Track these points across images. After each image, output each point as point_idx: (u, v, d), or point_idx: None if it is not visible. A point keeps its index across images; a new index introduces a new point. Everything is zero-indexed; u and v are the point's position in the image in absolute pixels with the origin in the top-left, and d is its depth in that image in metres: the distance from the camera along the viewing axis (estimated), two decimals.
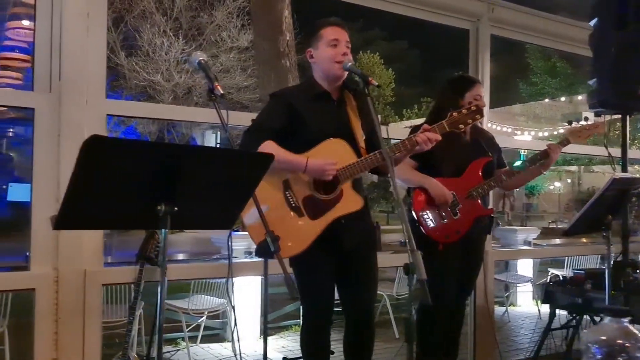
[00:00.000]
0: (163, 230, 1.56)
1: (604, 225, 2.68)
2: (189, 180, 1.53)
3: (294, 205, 2.37)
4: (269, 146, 2.34)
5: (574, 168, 22.59)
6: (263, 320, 3.10)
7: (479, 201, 3.03)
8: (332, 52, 2.43)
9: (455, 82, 3.18)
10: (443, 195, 2.92)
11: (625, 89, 3.22)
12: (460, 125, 2.47)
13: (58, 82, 2.91)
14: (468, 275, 3.15)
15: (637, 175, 3.12)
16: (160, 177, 1.49)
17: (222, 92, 1.91)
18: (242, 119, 2.87)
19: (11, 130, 17.97)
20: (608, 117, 3.36)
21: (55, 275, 2.82)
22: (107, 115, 3.07)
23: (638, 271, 3.37)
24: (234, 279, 4.96)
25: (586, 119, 3.03)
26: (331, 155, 2.38)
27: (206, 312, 4.90)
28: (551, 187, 25.09)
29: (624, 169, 3.41)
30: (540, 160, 3.03)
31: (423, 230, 2.96)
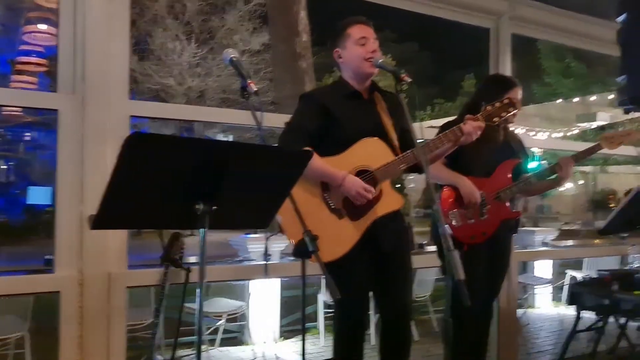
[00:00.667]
0: (201, 230, 1.53)
1: (639, 224, 2.61)
2: (231, 179, 1.50)
3: (333, 207, 2.33)
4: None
5: (588, 168, 22.35)
6: (301, 320, 3.04)
7: (507, 204, 2.98)
8: (361, 50, 2.40)
9: (496, 81, 3.13)
10: (473, 194, 2.87)
11: None
12: (495, 119, 2.43)
13: (81, 83, 2.89)
14: (494, 277, 3.09)
15: None
16: (201, 175, 1.46)
17: (255, 89, 1.88)
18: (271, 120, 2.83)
19: (27, 134, 18.10)
20: (637, 115, 3.28)
21: (80, 278, 2.80)
22: (131, 116, 3.05)
23: None
24: (250, 282, 4.95)
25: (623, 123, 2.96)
26: (368, 155, 2.35)
27: (225, 315, 4.87)
28: (563, 189, 24.89)
29: None
30: (550, 176, 2.98)
31: (450, 231, 2.90)
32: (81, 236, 2.81)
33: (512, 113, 2.48)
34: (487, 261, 3.00)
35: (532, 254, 6.04)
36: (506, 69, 4.45)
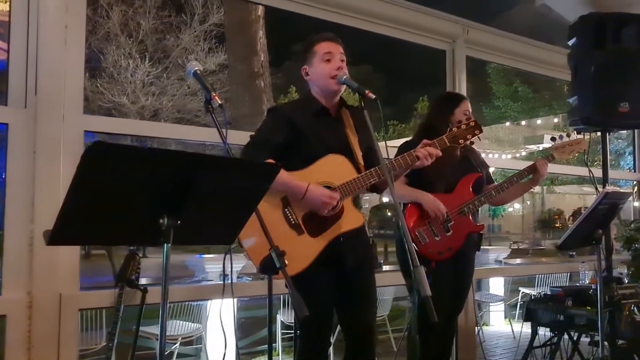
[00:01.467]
0: (165, 245, 1.47)
1: (594, 240, 2.69)
2: (197, 192, 1.44)
3: (293, 222, 2.30)
4: None
5: (536, 189, 23.11)
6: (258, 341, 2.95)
7: (470, 217, 3.02)
8: (326, 67, 2.40)
9: (445, 99, 3.21)
10: (438, 207, 2.89)
11: (606, 106, 3.28)
12: (460, 140, 2.47)
13: (34, 97, 2.78)
14: (459, 294, 3.12)
15: (627, 190, 3.15)
16: (167, 187, 1.40)
17: (220, 102, 1.84)
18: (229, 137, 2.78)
19: None
20: (588, 135, 3.40)
21: (28, 300, 2.66)
22: (85, 131, 2.94)
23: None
24: (208, 303, 4.82)
25: (568, 135, 3.07)
26: (331, 171, 2.33)
27: (179, 338, 4.71)
28: (510, 210, 25.61)
29: (606, 181, 3.46)
30: (528, 175, 3.05)
31: (416, 248, 2.92)
32: (31, 256, 2.67)
33: (477, 135, 2.52)
34: (452, 278, 3.02)
35: (489, 271, 6.15)
36: (462, 89, 4.56)
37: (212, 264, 4.81)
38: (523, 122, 20.67)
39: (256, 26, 6.36)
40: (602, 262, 2.71)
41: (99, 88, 15.92)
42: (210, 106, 1.87)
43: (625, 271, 5.24)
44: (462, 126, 2.49)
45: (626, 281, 5.23)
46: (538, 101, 20.77)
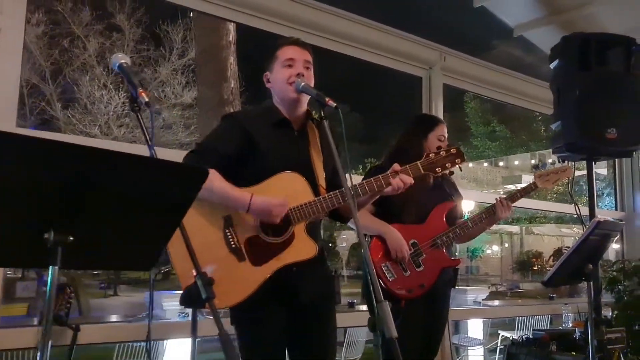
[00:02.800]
0: (51, 267, 1.13)
1: (584, 276, 2.39)
2: (96, 198, 1.11)
3: (234, 246, 1.97)
4: (210, 175, 1.97)
5: (515, 229, 23.05)
6: None
7: (444, 250, 2.71)
8: (286, 72, 2.12)
9: (419, 121, 2.92)
10: (400, 247, 2.59)
11: (592, 132, 3.05)
12: (437, 169, 2.16)
13: None
14: (434, 334, 2.77)
15: (618, 220, 2.88)
16: (54, 190, 1.07)
17: (147, 99, 1.54)
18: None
19: None
20: (572, 164, 3.16)
21: None
22: None
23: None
24: (166, 342, 4.40)
25: (553, 163, 2.81)
26: (284, 191, 2.02)
27: None
28: (489, 251, 25.48)
29: (592, 216, 3.19)
30: (486, 217, 2.77)
31: (383, 285, 2.59)
32: None
33: (458, 164, 2.22)
34: (425, 318, 2.68)
35: (468, 312, 5.82)
36: (439, 116, 4.35)
37: (171, 301, 4.41)
38: (501, 163, 20.78)
39: (227, 52, 6.14)
40: (591, 301, 2.39)
41: (71, 119, 15.57)
42: (136, 104, 1.56)
43: (610, 314, 4.97)
44: (441, 152, 2.19)
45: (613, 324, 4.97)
46: (515, 141, 20.94)
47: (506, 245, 25.24)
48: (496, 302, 8.22)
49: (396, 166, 2.11)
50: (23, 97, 15.82)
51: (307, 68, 2.14)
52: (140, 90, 1.55)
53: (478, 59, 4.82)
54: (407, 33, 4.36)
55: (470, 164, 21.60)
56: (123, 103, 15.98)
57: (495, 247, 25.33)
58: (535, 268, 22.57)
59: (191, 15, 6.62)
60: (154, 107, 1.56)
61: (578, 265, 2.35)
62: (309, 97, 2.10)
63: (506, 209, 2.73)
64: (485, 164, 21.96)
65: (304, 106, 2.17)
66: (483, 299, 7.56)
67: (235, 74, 6.22)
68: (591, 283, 2.39)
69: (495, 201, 2.78)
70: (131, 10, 17.27)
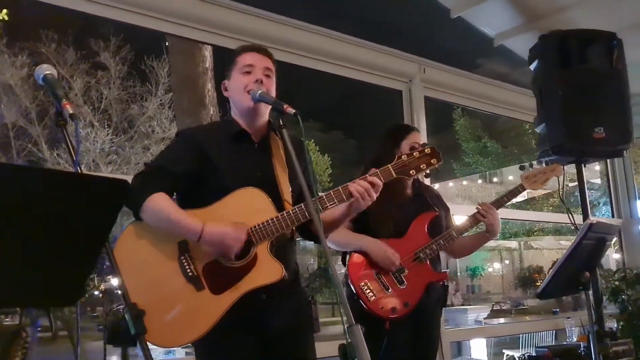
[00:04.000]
0: None
1: (581, 285, 2.19)
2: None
3: (190, 274, 1.77)
4: (158, 200, 1.79)
5: (514, 244, 22.83)
6: None
7: (429, 264, 2.52)
8: (244, 79, 1.96)
9: (391, 130, 2.76)
10: (388, 256, 2.40)
11: (579, 132, 2.89)
12: (411, 171, 1.98)
13: None
14: (423, 358, 2.55)
15: (615, 223, 2.70)
16: None
17: (71, 111, 1.37)
18: None
19: None
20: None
21: None
22: None
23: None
24: None
25: (540, 162, 2.64)
26: (244, 209, 1.84)
27: None
28: (490, 269, 25.21)
29: (585, 218, 3.01)
30: (471, 223, 2.60)
31: (364, 305, 2.40)
32: None
33: (435, 165, 2.03)
34: (412, 340, 2.48)
35: (469, 332, 5.59)
36: (421, 131, 4.22)
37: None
38: (495, 179, 20.71)
39: (204, 79, 6.03)
40: (592, 314, 2.18)
41: (57, 159, 15.44)
42: (61, 119, 1.39)
43: (615, 325, 4.76)
44: (414, 154, 2.00)
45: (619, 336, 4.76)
46: (507, 156, 20.91)
47: (507, 262, 24.99)
48: (501, 320, 8.02)
49: (369, 175, 1.94)
50: (9, 140, 15.72)
51: (267, 76, 1.99)
52: (64, 102, 1.39)
53: (458, 69, 4.72)
54: (384, 47, 4.27)
55: (464, 182, 21.52)
56: (111, 140, 15.94)
57: (497, 265, 25.07)
58: (538, 283, 22.29)
59: (167, 44, 6.51)
60: (79, 120, 1.38)
61: (574, 274, 2.16)
62: (269, 106, 1.94)
63: (489, 210, 2.56)
64: (480, 181, 21.87)
65: (264, 116, 2.00)
66: (484, 318, 7.34)
67: (214, 100, 6.09)
68: (590, 292, 2.20)
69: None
70: (116, 47, 17.30)
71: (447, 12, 4.81)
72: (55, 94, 1.42)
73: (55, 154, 15.64)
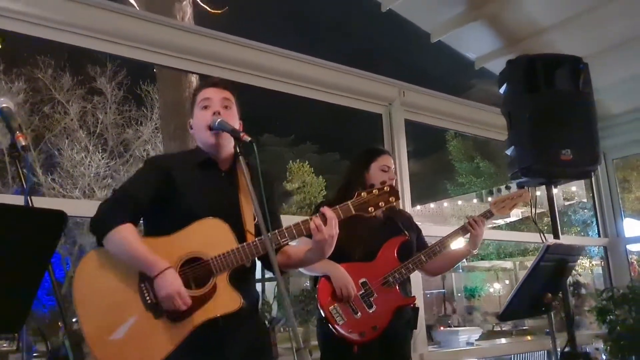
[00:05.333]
0: None
1: (544, 306, 2.21)
2: None
3: (149, 302, 1.80)
4: (123, 232, 1.83)
5: (508, 264, 22.76)
6: None
7: (398, 288, 2.54)
8: (205, 114, 2.01)
9: (361, 153, 2.80)
10: (345, 285, 2.43)
11: (546, 154, 2.94)
12: (370, 208, 2.02)
13: None
14: None
15: (576, 244, 2.73)
16: None
17: (24, 143, 1.41)
18: None
19: None
20: (533, 189, 3.04)
21: None
22: None
23: None
24: None
25: (508, 187, 2.68)
26: (206, 239, 1.88)
27: None
28: (491, 290, 25.08)
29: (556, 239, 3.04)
30: (464, 234, 2.63)
31: (333, 329, 2.42)
32: None
33: (392, 203, 2.08)
34: None
35: (451, 354, 5.55)
36: (401, 154, 4.27)
37: None
38: (490, 199, 20.72)
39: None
40: (554, 335, 2.19)
41: (52, 184, 15.47)
42: (14, 150, 1.43)
43: (602, 346, 4.75)
44: (373, 191, 2.04)
45: (604, 358, 4.72)
46: (500, 176, 20.97)
47: (507, 282, 24.86)
48: (503, 340, 7.93)
49: (325, 209, 1.98)
50: (5, 165, 15.76)
51: (226, 107, 2.03)
52: (17, 134, 1.44)
53: (438, 92, 4.77)
54: (363, 71, 4.32)
55: (459, 202, 21.59)
56: (106, 164, 15.99)
57: (497, 285, 24.94)
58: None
59: (155, 70, 6.58)
60: (30, 152, 1.43)
61: (536, 296, 2.19)
62: (232, 137, 1.98)
63: (479, 222, 2.63)
64: (475, 200, 21.91)
65: (229, 147, 2.04)
66: (476, 339, 7.31)
67: None
68: (552, 314, 2.22)
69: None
70: (112, 73, 17.44)
71: (427, 37, 4.90)
72: (10, 127, 1.47)
73: (50, 179, 15.68)
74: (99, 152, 15.97)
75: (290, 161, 23.01)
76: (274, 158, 25.49)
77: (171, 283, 1.75)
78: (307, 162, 19.53)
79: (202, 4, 7.80)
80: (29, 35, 2.84)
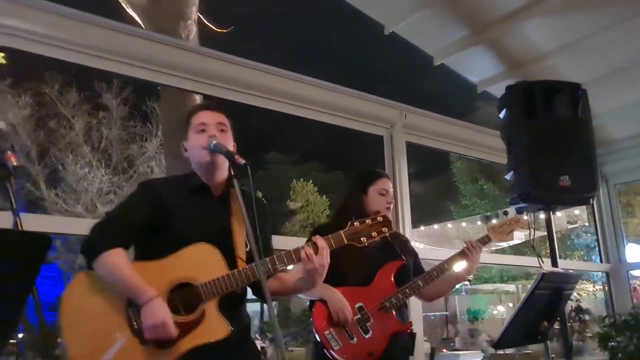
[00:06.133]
0: None
1: (540, 334, 2.18)
2: None
3: (136, 327, 1.78)
4: (114, 257, 1.82)
5: (511, 288, 22.55)
6: None
7: (394, 313, 2.52)
8: (200, 138, 2.02)
9: (359, 176, 2.80)
10: (341, 310, 2.41)
11: (544, 180, 2.93)
12: (363, 239, 2.02)
13: None
14: None
15: (571, 271, 2.71)
16: None
17: (15, 164, 1.42)
18: None
19: None
20: (532, 214, 3.02)
21: None
22: None
23: None
24: None
25: (506, 213, 2.68)
26: (197, 264, 1.88)
27: None
28: (495, 312, 24.82)
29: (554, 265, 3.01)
30: (460, 260, 2.62)
31: (329, 355, 2.39)
32: None
33: (386, 233, 2.08)
34: None
35: None
36: (402, 176, 4.28)
37: None
38: (494, 221, 20.63)
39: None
40: None
41: (56, 198, 15.52)
42: (5, 170, 1.43)
43: None
44: (366, 221, 2.05)
45: None
46: (504, 198, 20.89)
47: (510, 304, 24.60)
48: None
49: (317, 238, 1.97)
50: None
51: (222, 130, 2.05)
52: (8, 154, 1.44)
53: (440, 114, 4.78)
54: (365, 93, 4.35)
55: (463, 223, 21.58)
56: (110, 180, 16.04)
57: (501, 308, 24.69)
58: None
59: (158, 88, 6.61)
60: (21, 172, 1.43)
61: (532, 324, 2.16)
62: (227, 161, 1.99)
63: (477, 248, 2.63)
64: (479, 222, 21.84)
65: (223, 170, 2.05)
66: None
67: None
68: (547, 342, 2.19)
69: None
70: (118, 89, 17.60)
71: (430, 60, 4.93)
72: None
73: (53, 193, 15.73)
74: (102, 168, 16.00)
75: (294, 180, 23.08)
76: (278, 176, 25.52)
77: (157, 313, 1.74)
78: (310, 181, 19.54)
79: (207, 23, 7.85)
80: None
